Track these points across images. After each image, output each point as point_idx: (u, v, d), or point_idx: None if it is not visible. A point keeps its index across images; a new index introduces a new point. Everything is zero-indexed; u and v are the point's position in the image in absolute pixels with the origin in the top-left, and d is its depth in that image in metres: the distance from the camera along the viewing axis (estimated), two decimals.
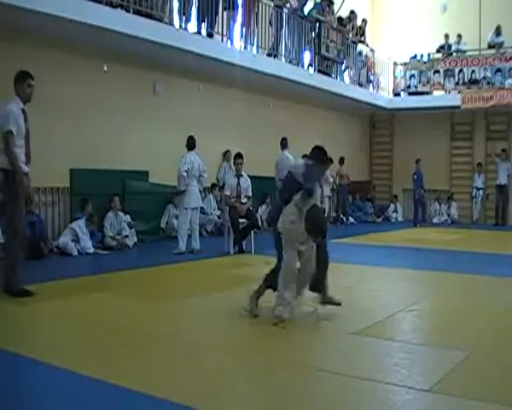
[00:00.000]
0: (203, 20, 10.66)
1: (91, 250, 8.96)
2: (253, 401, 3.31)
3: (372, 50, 17.23)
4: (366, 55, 16.96)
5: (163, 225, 11.17)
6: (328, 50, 14.35)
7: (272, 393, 3.39)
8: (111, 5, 8.76)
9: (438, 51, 17.50)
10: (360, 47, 16.54)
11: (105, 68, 10.19)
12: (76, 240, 8.90)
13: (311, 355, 4.17)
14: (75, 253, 8.77)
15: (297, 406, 3.24)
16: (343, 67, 15.50)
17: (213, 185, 12.54)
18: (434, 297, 6.24)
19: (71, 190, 9.70)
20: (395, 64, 17.85)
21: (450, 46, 17.55)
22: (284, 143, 11.26)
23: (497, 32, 16.75)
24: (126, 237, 9.81)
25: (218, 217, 12.21)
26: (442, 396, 3.35)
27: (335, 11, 15.29)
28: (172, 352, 4.19)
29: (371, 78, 17.08)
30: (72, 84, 9.62)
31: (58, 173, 9.40)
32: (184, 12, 10.30)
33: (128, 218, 10.03)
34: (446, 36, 17.43)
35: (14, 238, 5.81)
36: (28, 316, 5.13)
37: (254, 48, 12.11)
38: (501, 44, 16.68)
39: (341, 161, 16.01)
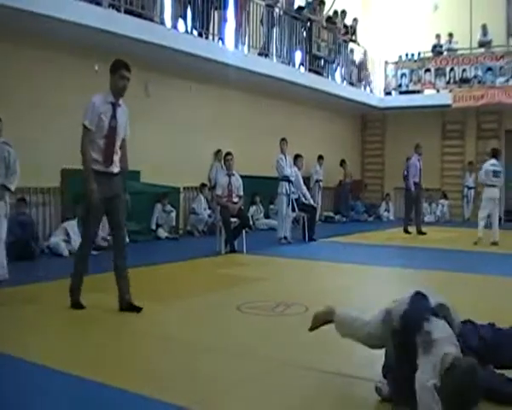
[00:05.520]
0: (194, 20, 10.64)
1: None
2: (252, 402, 3.30)
3: (365, 51, 17.26)
4: (361, 59, 17.01)
5: (153, 226, 11.11)
6: (319, 49, 14.37)
7: (271, 394, 3.38)
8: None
9: (432, 51, 17.52)
10: (351, 46, 16.57)
11: (96, 68, 10.15)
12: (67, 240, 8.87)
13: (309, 355, 4.16)
14: (66, 253, 8.72)
15: (297, 406, 3.25)
16: (334, 66, 15.53)
17: (203, 185, 12.44)
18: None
19: (62, 191, 9.66)
20: (386, 63, 17.89)
21: (441, 46, 17.59)
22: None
23: (484, 31, 16.82)
24: None
25: (209, 216, 12.17)
26: None
27: (327, 10, 15.31)
28: (166, 352, 4.18)
29: (364, 75, 17.14)
30: (63, 84, 9.58)
31: (49, 174, 9.36)
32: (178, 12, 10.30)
33: None
34: (438, 36, 17.48)
35: (81, 244, 5.54)
36: (22, 318, 5.09)
37: (245, 47, 12.11)
38: (489, 43, 16.74)
39: (343, 161, 16.85)
